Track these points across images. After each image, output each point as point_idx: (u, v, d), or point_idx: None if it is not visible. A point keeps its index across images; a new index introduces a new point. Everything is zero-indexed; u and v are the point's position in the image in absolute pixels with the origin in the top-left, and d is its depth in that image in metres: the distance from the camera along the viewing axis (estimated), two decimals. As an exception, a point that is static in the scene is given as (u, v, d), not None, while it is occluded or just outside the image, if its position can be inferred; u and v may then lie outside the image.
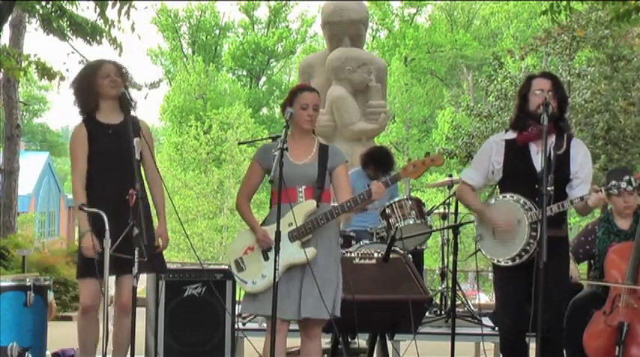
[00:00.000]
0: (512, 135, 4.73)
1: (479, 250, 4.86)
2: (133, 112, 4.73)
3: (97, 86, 4.78)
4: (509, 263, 4.61)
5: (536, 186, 4.51)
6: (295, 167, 4.55)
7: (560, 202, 4.52)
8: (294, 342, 4.95)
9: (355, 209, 4.56)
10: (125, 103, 4.70)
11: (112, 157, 4.74)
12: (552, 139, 4.60)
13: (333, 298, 4.50)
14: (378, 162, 7.06)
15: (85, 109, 4.84)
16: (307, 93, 4.62)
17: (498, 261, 4.67)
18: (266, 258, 4.49)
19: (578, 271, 5.56)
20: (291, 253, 4.44)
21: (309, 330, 4.58)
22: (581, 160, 4.68)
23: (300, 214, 4.48)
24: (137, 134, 4.68)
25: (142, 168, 4.76)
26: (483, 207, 4.76)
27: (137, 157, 4.58)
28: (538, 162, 4.58)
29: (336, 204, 4.58)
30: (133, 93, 4.89)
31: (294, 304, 4.44)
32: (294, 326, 4.65)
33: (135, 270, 4.30)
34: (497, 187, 4.87)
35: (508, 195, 4.65)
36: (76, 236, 4.92)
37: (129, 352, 4.51)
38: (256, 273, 4.52)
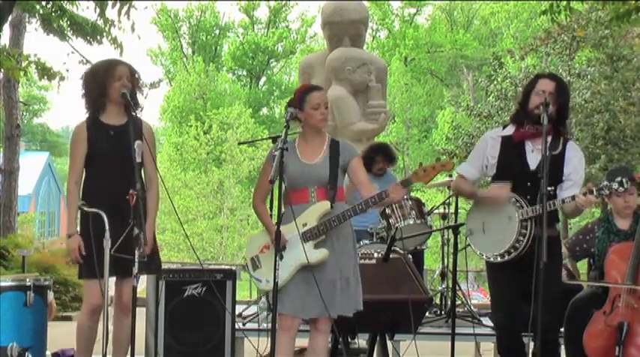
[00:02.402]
0: (509, 131, 4.75)
1: (469, 245, 4.88)
2: (138, 114, 4.76)
3: (108, 87, 4.76)
4: (498, 259, 4.63)
5: (529, 184, 4.55)
6: (306, 167, 4.56)
7: (550, 200, 4.53)
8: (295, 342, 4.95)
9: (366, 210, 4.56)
10: (126, 105, 4.71)
11: (111, 159, 4.73)
12: (548, 140, 4.60)
13: (354, 295, 4.56)
14: (384, 154, 7.03)
15: (92, 107, 4.83)
16: (316, 93, 4.63)
17: (487, 257, 4.69)
18: (281, 257, 4.49)
19: (577, 270, 5.56)
20: (303, 253, 4.46)
21: (320, 324, 4.61)
22: (576, 164, 4.68)
23: (314, 215, 4.50)
24: (139, 137, 4.68)
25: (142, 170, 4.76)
26: (476, 189, 4.82)
27: (138, 159, 4.57)
28: (532, 160, 4.60)
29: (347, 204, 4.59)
30: (140, 98, 4.90)
31: (319, 303, 4.44)
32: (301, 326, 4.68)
33: (135, 270, 4.31)
34: (491, 183, 4.89)
35: None
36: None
37: (129, 352, 4.52)
38: (271, 271, 4.53)
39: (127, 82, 4.76)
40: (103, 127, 4.79)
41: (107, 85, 4.76)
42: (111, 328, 4.83)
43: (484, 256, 4.72)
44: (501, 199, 4.61)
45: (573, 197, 4.48)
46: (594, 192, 4.46)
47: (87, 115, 4.86)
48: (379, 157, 7.02)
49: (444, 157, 18.19)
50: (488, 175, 4.85)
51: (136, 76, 4.88)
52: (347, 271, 4.55)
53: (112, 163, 4.73)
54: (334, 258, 4.51)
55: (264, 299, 6.26)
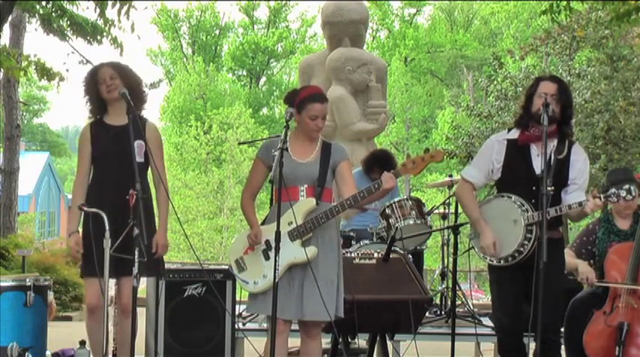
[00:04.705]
0: (514, 134, 4.74)
1: (472, 247, 4.87)
2: (143, 114, 4.81)
3: (99, 91, 4.83)
4: (502, 263, 4.62)
5: (534, 187, 4.53)
6: (298, 165, 4.54)
7: (556, 205, 4.53)
8: (293, 342, 4.95)
9: (357, 206, 4.54)
10: (127, 104, 4.72)
11: (110, 159, 4.77)
12: (554, 143, 4.60)
13: (335, 299, 4.49)
14: (382, 164, 7.00)
15: (93, 111, 4.90)
16: (318, 105, 4.54)
17: (491, 260, 4.68)
18: (267, 258, 4.48)
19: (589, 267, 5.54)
20: (292, 252, 4.43)
21: (310, 330, 4.58)
22: (581, 167, 4.69)
23: (300, 213, 4.47)
24: (141, 136, 4.68)
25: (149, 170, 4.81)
26: (479, 218, 4.72)
27: (138, 159, 4.60)
28: (538, 164, 4.59)
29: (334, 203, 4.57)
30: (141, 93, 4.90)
31: (296, 305, 4.43)
32: (294, 326, 4.65)
33: (135, 270, 4.31)
34: (495, 186, 4.87)
35: (506, 195, 4.66)
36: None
37: (129, 353, 4.52)
38: (257, 273, 4.52)
39: (111, 81, 4.78)
40: (105, 127, 4.84)
41: (97, 88, 4.83)
42: (112, 328, 4.84)
43: (487, 259, 4.71)
44: (488, 248, 4.60)
45: (580, 203, 4.49)
46: (602, 198, 4.47)
47: (93, 119, 4.93)
48: (376, 168, 7.00)
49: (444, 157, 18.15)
50: (493, 179, 4.83)
51: (125, 71, 4.85)
52: (331, 274, 4.50)
53: (111, 163, 4.76)
54: (317, 259, 4.47)
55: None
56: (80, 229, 4.79)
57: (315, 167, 4.55)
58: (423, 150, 4.58)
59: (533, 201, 4.54)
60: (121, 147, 4.69)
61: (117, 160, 4.72)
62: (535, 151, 4.65)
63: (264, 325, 5.75)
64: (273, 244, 4.33)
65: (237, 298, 5.84)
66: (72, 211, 4.87)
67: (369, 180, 6.82)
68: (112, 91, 4.76)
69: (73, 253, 4.75)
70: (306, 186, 4.53)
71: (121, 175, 4.64)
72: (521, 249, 4.54)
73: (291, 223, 4.46)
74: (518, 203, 4.58)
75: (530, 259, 4.46)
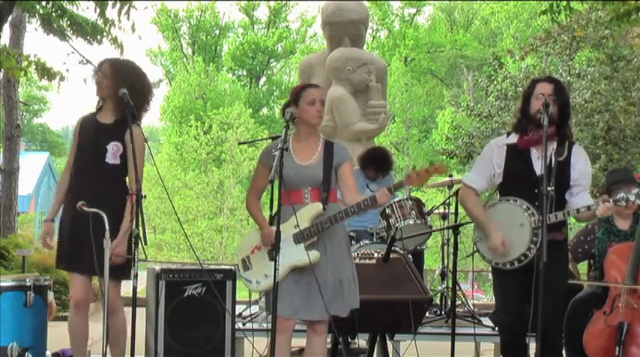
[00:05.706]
0: (513, 139, 4.73)
1: (477, 251, 4.85)
2: (140, 116, 4.83)
3: (97, 85, 4.87)
4: (507, 267, 4.62)
5: (536, 191, 4.51)
6: (301, 168, 4.55)
7: (562, 209, 4.53)
8: (294, 342, 4.95)
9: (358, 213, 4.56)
10: (125, 105, 4.72)
11: (84, 156, 4.83)
12: (554, 145, 4.59)
13: (350, 294, 4.54)
14: (377, 163, 7.04)
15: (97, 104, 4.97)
16: (313, 89, 4.64)
17: (496, 264, 4.67)
18: (271, 258, 4.47)
19: (577, 270, 5.58)
20: (294, 254, 4.45)
21: (317, 326, 4.60)
22: (582, 167, 4.68)
23: (306, 217, 4.49)
24: (121, 138, 4.70)
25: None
26: (485, 221, 4.71)
27: (113, 161, 4.69)
28: (539, 167, 4.57)
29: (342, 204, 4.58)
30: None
31: (315, 305, 4.45)
32: (298, 326, 4.67)
33: (135, 270, 4.31)
34: (498, 190, 4.86)
35: (511, 199, 4.65)
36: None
37: (129, 353, 4.52)
38: (260, 273, 4.55)
39: (102, 79, 4.81)
40: (91, 123, 4.88)
41: (97, 83, 4.86)
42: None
43: (493, 264, 4.71)
44: (497, 249, 4.60)
45: (589, 207, 4.49)
46: (610, 202, 4.47)
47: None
48: (372, 166, 7.01)
49: (444, 157, 18.22)
50: (494, 183, 4.82)
51: (120, 69, 4.83)
52: (340, 273, 4.53)
53: (84, 160, 4.83)
54: (327, 260, 4.49)
55: (263, 299, 6.26)
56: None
57: (319, 170, 4.55)
58: (429, 163, 4.61)
59: (536, 204, 4.52)
60: (96, 145, 4.76)
61: (89, 156, 4.79)
62: (535, 154, 4.63)
63: (265, 325, 5.75)
64: (279, 245, 4.35)
65: (237, 298, 5.84)
66: (55, 198, 5.00)
67: (364, 177, 6.85)
68: (100, 89, 4.83)
69: (43, 242, 4.93)
70: (310, 189, 4.54)
71: (89, 173, 4.74)
72: (528, 253, 4.54)
73: (297, 226, 4.47)
74: (524, 207, 4.57)
75: (534, 261, 4.45)
